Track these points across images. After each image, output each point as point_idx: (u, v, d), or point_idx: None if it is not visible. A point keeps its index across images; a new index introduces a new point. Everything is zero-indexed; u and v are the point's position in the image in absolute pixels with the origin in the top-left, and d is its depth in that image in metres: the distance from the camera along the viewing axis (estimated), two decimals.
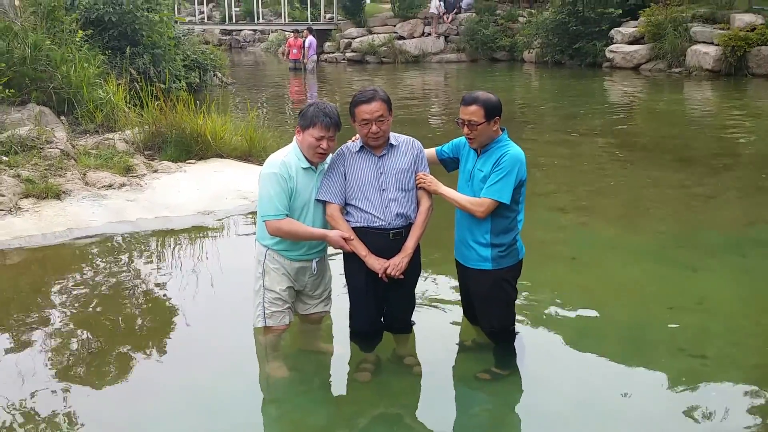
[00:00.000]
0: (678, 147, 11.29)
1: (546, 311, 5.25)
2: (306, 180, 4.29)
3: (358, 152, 4.33)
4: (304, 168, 4.28)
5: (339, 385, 4.47)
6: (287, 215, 4.23)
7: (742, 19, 19.36)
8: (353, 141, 4.42)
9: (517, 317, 5.01)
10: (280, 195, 4.19)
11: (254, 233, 4.63)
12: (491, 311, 4.38)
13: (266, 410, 4.23)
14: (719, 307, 5.37)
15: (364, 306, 4.42)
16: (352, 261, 4.36)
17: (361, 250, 4.23)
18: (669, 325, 5.04)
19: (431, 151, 4.60)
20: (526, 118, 15.14)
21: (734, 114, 14.23)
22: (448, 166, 4.62)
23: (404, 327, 4.62)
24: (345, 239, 4.23)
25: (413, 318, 4.64)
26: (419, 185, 4.33)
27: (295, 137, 4.34)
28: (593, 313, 5.24)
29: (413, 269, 4.40)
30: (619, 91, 18.54)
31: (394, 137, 4.39)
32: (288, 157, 4.27)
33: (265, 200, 4.22)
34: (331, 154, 4.42)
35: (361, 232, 4.27)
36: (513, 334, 4.57)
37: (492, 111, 4.14)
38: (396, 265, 4.23)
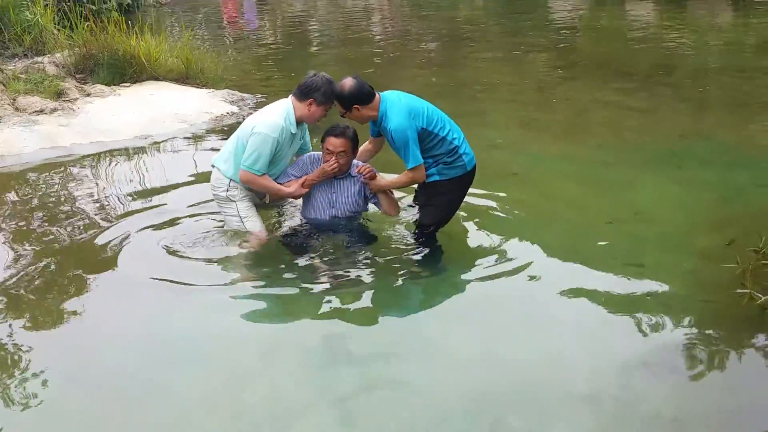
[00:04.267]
0: (618, 63, 11.35)
1: (486, 226, 5.30)
2: (289, 142, 4.77)
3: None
4: (293, 133, 4.73)
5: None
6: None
7: None
8: None
9: (457, 232, 5.10)
10: (268, 157, 4.64)
11: (194, 153, 4.63)
12: (430, 210, 4.84)
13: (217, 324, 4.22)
14: (655, 217, 5.49)
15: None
16: None
17: (313, 176, 4.77)
18: (607, 236, 5.15)
19: (368, 143, 5.00)
20: (469, 35, 15.04)
21: (673, 29, 14.33)
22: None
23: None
24: (303, 185, 4.79)
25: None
26: (361, 173, 4.72)
27: (290, 104, 4.69)
28: (533, 228, 5.30)
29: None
30: (561, 7, 18.48)
31: (355, 165, 4.82)
32: (286, 122, 4.67)
33: (254, 156, 4.61)
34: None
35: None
36: (434, 235, 4.91)
37: (349, 103, 4.51)
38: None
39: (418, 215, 4.97)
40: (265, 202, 5.17)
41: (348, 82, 4.53)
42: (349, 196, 4.87)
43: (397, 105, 4.55)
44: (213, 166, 4.93)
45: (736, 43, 12.92)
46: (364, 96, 4.52)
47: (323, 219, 4.89)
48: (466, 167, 4.74)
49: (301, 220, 5.08)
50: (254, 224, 4.91)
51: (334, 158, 4.67)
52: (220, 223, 5.18)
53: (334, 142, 4.65)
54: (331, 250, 4.79)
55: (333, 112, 4.81)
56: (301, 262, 4.74)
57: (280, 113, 4.69)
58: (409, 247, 4.92)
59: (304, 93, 4.67)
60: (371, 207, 5.04)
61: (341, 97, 4.54)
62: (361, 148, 4.90)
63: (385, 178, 4.85)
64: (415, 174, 4.61)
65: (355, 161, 4.84)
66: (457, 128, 4.76)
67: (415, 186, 4.93)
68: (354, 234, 4.92)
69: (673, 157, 6.83)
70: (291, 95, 4.75)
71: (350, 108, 4.55)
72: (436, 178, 4.69)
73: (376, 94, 4.58)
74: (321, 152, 4.82)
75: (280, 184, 4.84)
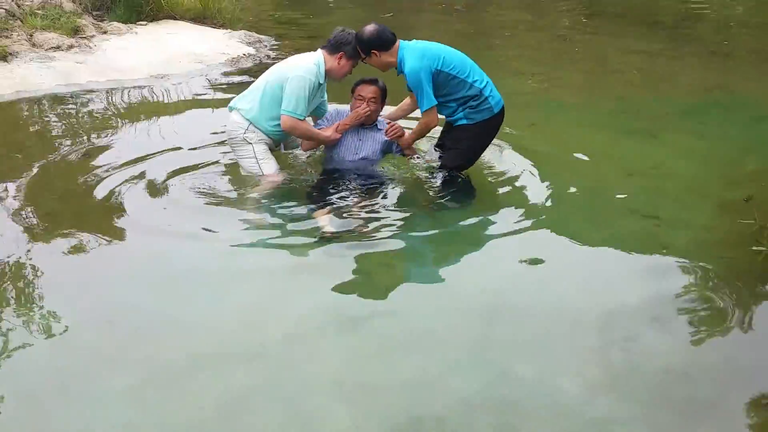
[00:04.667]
0: (642, 13, 11.14)
1: (503, 175, 5.27)
2: (314, 93, 4.82)
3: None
4: (320, 83, 4.82)
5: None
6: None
7: None
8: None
9: (475, 180, 5.06)
10: (306, 100, 4.73)
11: (210, 94, 4.58)
12: (455, 153, 4.88)
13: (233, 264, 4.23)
14: (675, 171, 5.43)
15: None
16: None
17: (346, 121, 4.93)
18: (625, 189, 5.10)
19: (407, 98, 5.11)
20: None
21: None
22: None
23: None
24: (336, 130, 4.92)
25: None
26: (389, 135, 4.86)
27: (321, 55, 4.80)
28: (551, 179, 5.24)
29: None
30: None
31: (382, 123, 5.00)
32: (317, 68, 4.78)
33: (293, 99, 4.69)
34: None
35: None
36: (457, 176, 4.95)
37: (368, 48, 4.63)
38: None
39: (441, 158, 4.97)
40: (280, 150, 5.18)
41: (369, 28, 4.63)
42: (373, 144, 5.00)
43: (413, 49, 4.63)
44: (232, 109, 4.94)
45: None
46: (382, 42, 4.62)
47: (347, 161, 4.97)
48: (493, 110, 4.78)
49: (319, 165, 5.14)
50: (270, 166, 4.94)
51: (365, 103, 4.85)
52: (234, 166, 5.18)
53: (366, 89, 4.88)
54: (351, 194, 4.78)
55: (356, 71, 4.91)
56: (319, 205, 4.72)
57: (311, 60, 4.79)
58: (431, 191, 4.93)
59: (334, 46, 4.79)
60: None
61: (361, 41, 4.64)
62: (399, 105, 5.12)
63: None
64: (428, 117, 4.68)
65: (381, 119, 5.03)
66: (481, 72, 4.80)
67: (441, 129, 5.01)
68: (375, 178, 4.96)
69: (695, 110, 6.74)
70: (320, 48, 4.86)
71: (369, 53, 4.66)
72: (464, 122, 4.78)
73: (397, 41, 4.63)
74: (348, 105, 5.04)
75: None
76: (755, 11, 11.32)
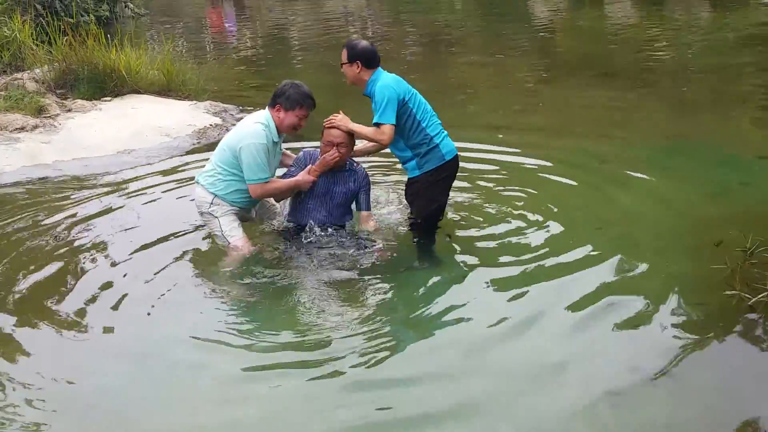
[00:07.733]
0: (601, 63, 11.40)
1: (475, 230, 5.32)
2: (273, 151, 4.82)
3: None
4: (274, 141, 4.79)
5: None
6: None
7: None
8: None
9: (447, 238, 5.07)
10: (265, 163, 4.72)
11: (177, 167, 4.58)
12: (415, 207, 5.08)
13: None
14: (643, 219, 5.48)
15: None
16: None
17: (316, 166, 4.89)
18: (595, 239, 5.13)
19: None
20: (450, 39, 15.02)
21: (652, 29, 14.40)
22: None
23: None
24: (309, 173, 4.88)
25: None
26: (330, 124, 4.85)
27: (268, 112, 4.77)
28: (521, 231, 5.29)
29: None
30: (541, 7, 18.54)
31: (351, 163, 5.06)
32: (265, 128, 4.72)
33: (254, 167, 4.68)
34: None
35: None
36: (429, 228, 5.11)
37: (355, 57, 4.78)
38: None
39: (411, 213, 5.19)
40: (252, 217, 5.17)
41: (364, 42, 4.91)
42: (344, 186, 5.01)
43: (391, 77, 4.88)
44: (197, 183, 4.94)
45: (714, 40, 13.01)
46: (369, 59, 4.82)
47: (320, 210, 4.98)
48: (444, 158, 4.92)
49: (290, 226, 5.11)
50: (237, 239, 4.91)
51: (335, 149, 4.84)
52: (205, 239, 5.16)
53: (335, 133, 4.84)
54: (326, 253, 4.82)
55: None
56: (293, 267, 4.75)
57: (257, 120, 4.77)
58: (405, 243, 5.05)
59: (271, 100, 4.80)
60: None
61: (353, 48, 4.81)
62: (365, 145, 5.12)
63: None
64: (378, 131, 4.74)
65: (351, 160, 5.07)
66: (437, 123, 4.97)
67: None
68: (348, 235, 5.00)
69: (658, 157, 6.85)
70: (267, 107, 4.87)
71: (353, 61, 4.79)
72: (417, 173, 4.95)
73: (378, 67, 4.86)
74: (317, 148, 5.07)
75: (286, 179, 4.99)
76: (708, 57, 11.64)
